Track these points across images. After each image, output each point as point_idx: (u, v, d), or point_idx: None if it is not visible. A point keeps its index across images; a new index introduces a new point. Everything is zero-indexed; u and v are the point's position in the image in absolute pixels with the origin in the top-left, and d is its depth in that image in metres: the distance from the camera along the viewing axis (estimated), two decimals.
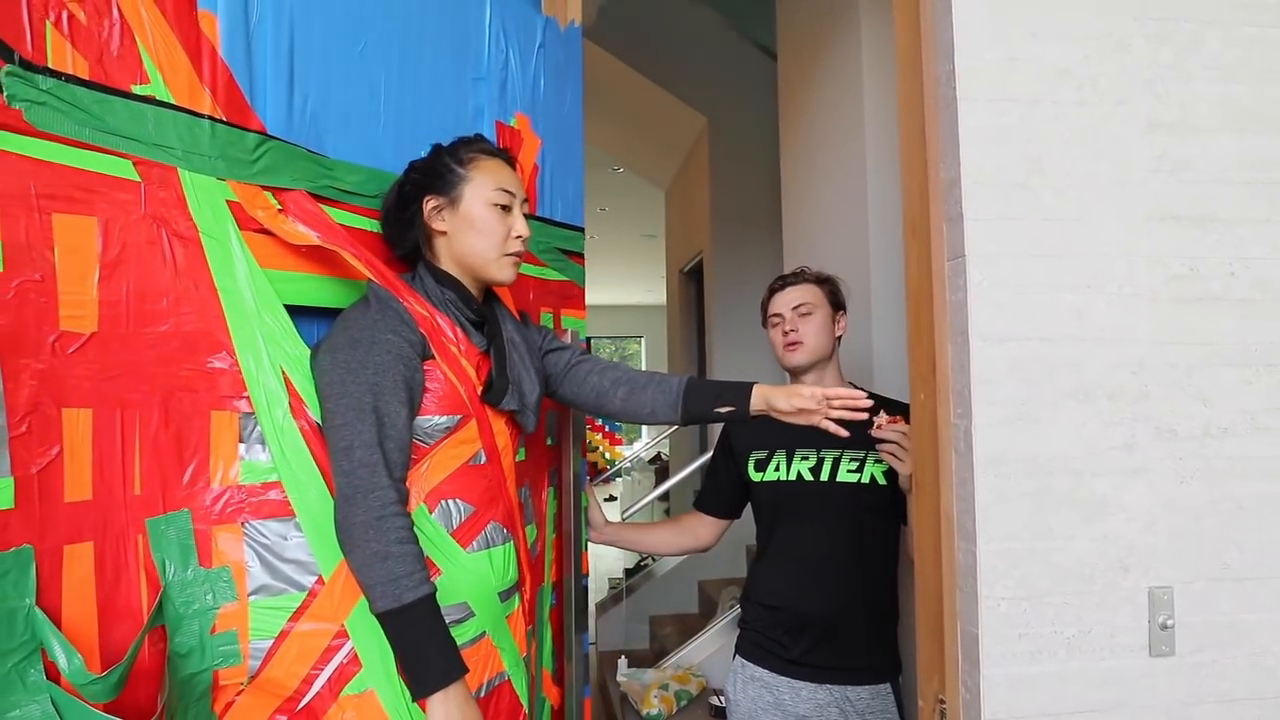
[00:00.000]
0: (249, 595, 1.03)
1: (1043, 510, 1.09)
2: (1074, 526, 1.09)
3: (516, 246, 1.22)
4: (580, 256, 1.71)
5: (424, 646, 1.05)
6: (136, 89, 0.97)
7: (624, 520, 3.21)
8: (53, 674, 0.83)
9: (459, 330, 1.18)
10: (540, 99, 1.56)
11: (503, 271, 1.22)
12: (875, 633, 1.52)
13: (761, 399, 1.28)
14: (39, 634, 0.83)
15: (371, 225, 1.23)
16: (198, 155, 1.03)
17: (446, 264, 1.22)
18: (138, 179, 0.96)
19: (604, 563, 6.41)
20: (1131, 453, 1.11)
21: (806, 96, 2.61)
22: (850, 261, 2.18)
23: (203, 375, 1.03)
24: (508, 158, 1.26)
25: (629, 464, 7.15)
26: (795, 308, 1.57)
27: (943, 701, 1.14)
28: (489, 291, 1.29)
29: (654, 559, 5.33)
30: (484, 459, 1.19)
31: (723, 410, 1.30)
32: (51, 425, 0.88)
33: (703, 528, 1.72)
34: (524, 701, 1.24)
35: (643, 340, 14.33)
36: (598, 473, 10.31)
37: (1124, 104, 1.13)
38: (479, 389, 1.19)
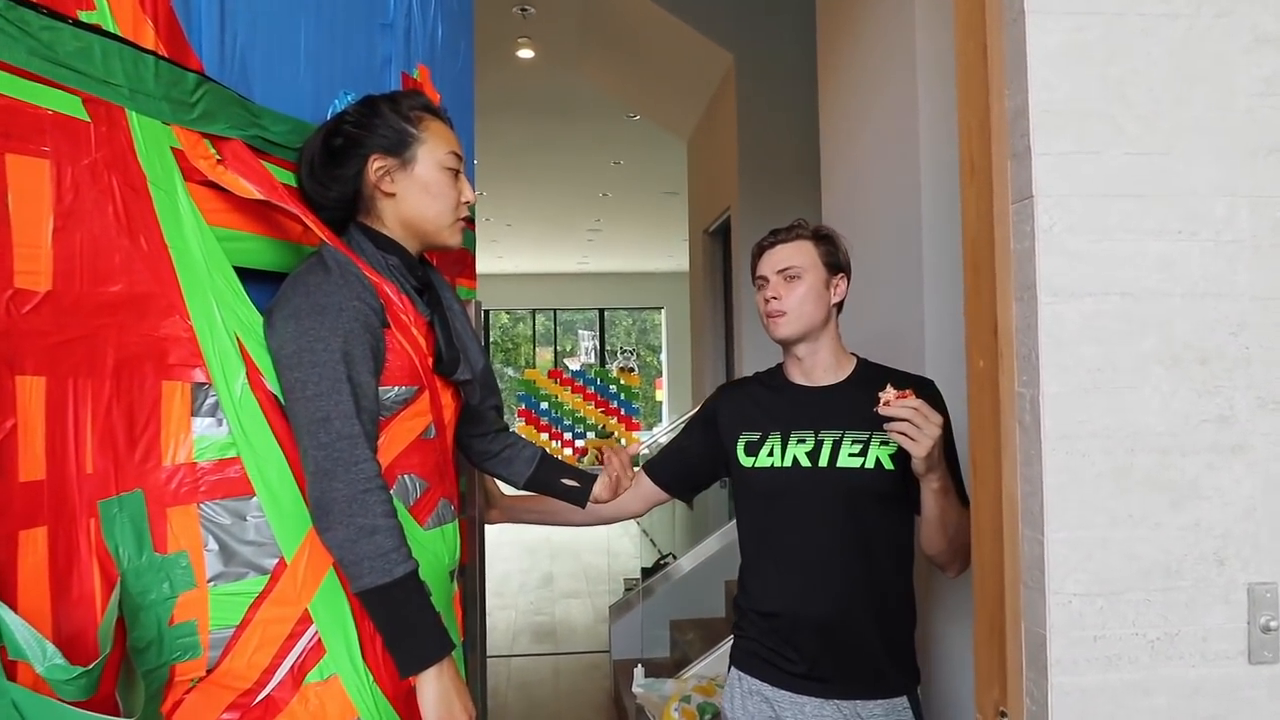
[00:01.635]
0: (208, 581, 1.06)
1: (1122, 493, 1.07)
2: (1159, 512, 1.07)
3: (465, 212, 1.32)
4: (471, 222, 1.76)
5: (415, 621, 1.12)
6: (83, 15, 0.98)
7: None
8: (10, 672, 0.84)
9: (405, 298, 1.24)
10: (438, 50, 1.63)
11: (453, 236, 1.32)
12: (887, 639, 1.49)
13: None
14: (1, 630, 0.85)
15: (295, 180, 1.27)
16: (144, 95, 1.05)
17: (390, 228, 1.28)
18: (87, 119, 0.98)
19: (619, 562, 6.47)
20: (1228, 427, 1.08)
21: (848, 25, 2.55)
22: (900, 215, 2.14)
23: (154, 342, 1.05)
24: (448, 118, 1.33)
25: (646, 450, 7.18)
26: (781, 270, 1.53)
27: (1004, 713, 1.12)
28: (424, 259, 1.37)
29: (674, 556, 5.34)
30: (434, 433, 1.28)
31: (568, 484, 1.59)
32: (5, 395, 0.88)
33: (635, 497, 1.70)
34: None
35: (663, 312, 14.33)
36: None
37: (1225, 16, 1.09)
38: (429, 359, 1.26)
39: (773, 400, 1.59)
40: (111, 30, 1.01)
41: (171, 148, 1.08)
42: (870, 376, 1.53)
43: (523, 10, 4.59)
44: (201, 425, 1.07)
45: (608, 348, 14.59)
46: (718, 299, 5.51)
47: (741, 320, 4.40)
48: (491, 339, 14.95)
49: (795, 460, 1.52)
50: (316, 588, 1.11)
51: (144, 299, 1.03)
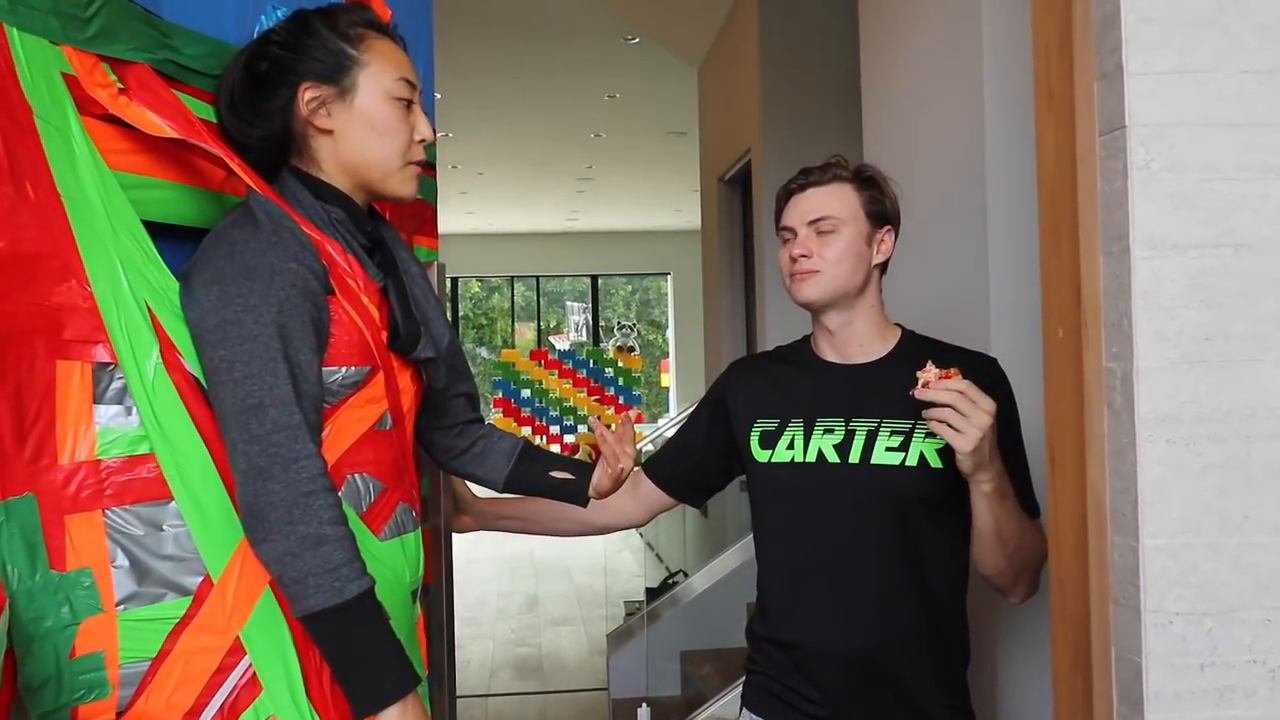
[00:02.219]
0: (117, 605, 1.06)
1: (1236, 490, 1.07)
2: None
3: (420, 154, 1.31)
4: (432, 168, 1.74)
5: (372, 651, 1.13)
6: None
7: None
8: None
9: (352, 259, 1.24)
10: None
11: (405, 184, 1.31)
12: (934, 677, 1.46)
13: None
14: None
15: (213, 115, 1.26)
16: (26, 8, 1.04)
17: (330, 173, 1.27)
18: None
19: (618, 582, 6.51)
20: None
21: None
22: (960, 155, 2.13)
23: (45, 312, 1.04)
24: (399, 37, 1.33)
25: (650, 445, 7.21)
26: (813, 221, 1.49)
27: None
28: (373, 210, 1.36)
29: (684, 574, 5.36)
30: (389, 423, 1.29)
31: (558, 476, 1.57)
32: None
33: (633, 500, 1.69)
34: None
35: (669, 279, 14.33)
36: None
37: None
38: (384, 334, 1.26)
39: (795, 380, 1.57)
40: None
41: (62, 73, 1.07)
42: (917, 352, 1.47)
43: None
44: (106, 414, 1.07)
45: (602, 323, 14.60)
46: (736, 262, 5.50)
47: (765, 288, 4.39)
48: (460, 313, 14.96)
49: (821, 454, 1.49)
50: (250, 611, 1.11)
51: (31, 260, 1.02)
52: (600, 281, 14.77)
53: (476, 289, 15.60)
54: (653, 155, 9.22)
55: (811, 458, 1.49)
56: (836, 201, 1.49)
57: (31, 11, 1.03)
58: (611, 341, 12.13)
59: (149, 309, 1.10)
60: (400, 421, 1.32)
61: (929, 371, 1.31)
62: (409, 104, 1.29)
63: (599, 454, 1.58)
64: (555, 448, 10.55)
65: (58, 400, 1.04)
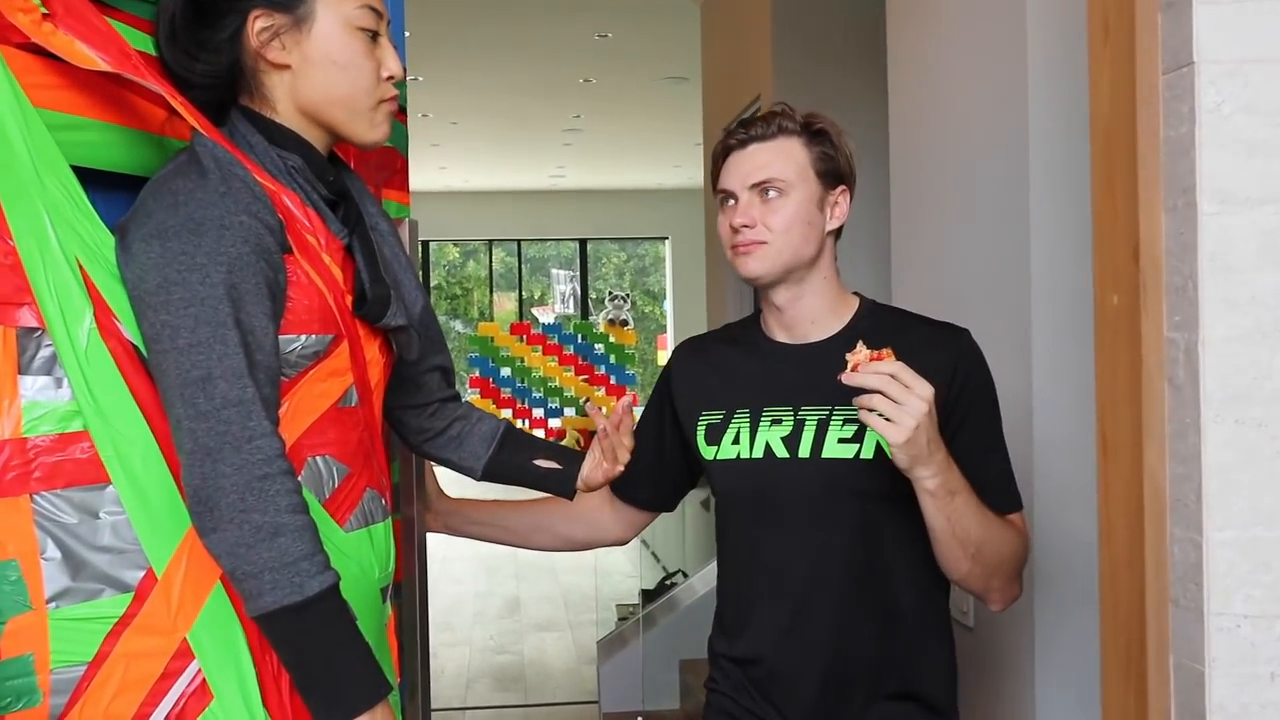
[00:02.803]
0: (47, 602, 1.06)
1: None
2: None
3: (389, 91, 1.31)
4: (403, 112, 1.74)
5: (337, 654, 1.13)
6: None
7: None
8: None
9: (311, 212, 1.24)
10: None
11: (375, 128, 1.31)
12: (909, 696, 1.47)
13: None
14: None
15: (152, 47, 1.25)
16: None
17: (285, 114, 1.27)
18: None
19: (610, 583, 6.53)
20: None
21: None
22: (998, 95, 2.12)
23: None
24: None
25: None
26: (756, 185, 1.45)
27: None
28: (335, 157, 1.36)
29: (683, 574, 5.38)
30: (355, 399, 1.29)
31: (543, 465, 1.57)
32: None
33: (607, 514, 1.70)
34: None
35: (667, 243, 14.33)
36: None
37: None
38: (348, 298, 1.26)
39: (741, 365, 1.57)
40: None
41: None
42: (875, 326, 1.48)
43: None
44: (33, 386, 1.06)
45: (592, 294, 14.60)
46: None
47: None
48: (433, 281, 14.94)
49: (769, 449, 1.47)
50: (199, 610, 1.11)
51: None
52: (589, 246, 14.75)
53: (452, 254, 15.57)
54: (649, 104, 9.19)
55: (758, 453, 1.48)
56: (782, 160, 1.45)
57: None
58: (602, 314, 12.11)
59: (80, 267, 1.10)
60: (367, 398, 1.31)
61: (858, 353, 1.28)
62: (374, 35, 1.27)
63: (588, 440, 1.59)
64: (539, 433, 10.59)
65: None
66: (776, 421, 1.47)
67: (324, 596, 1.11)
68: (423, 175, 11.99)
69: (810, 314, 1.50)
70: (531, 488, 1.60)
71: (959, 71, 2.35)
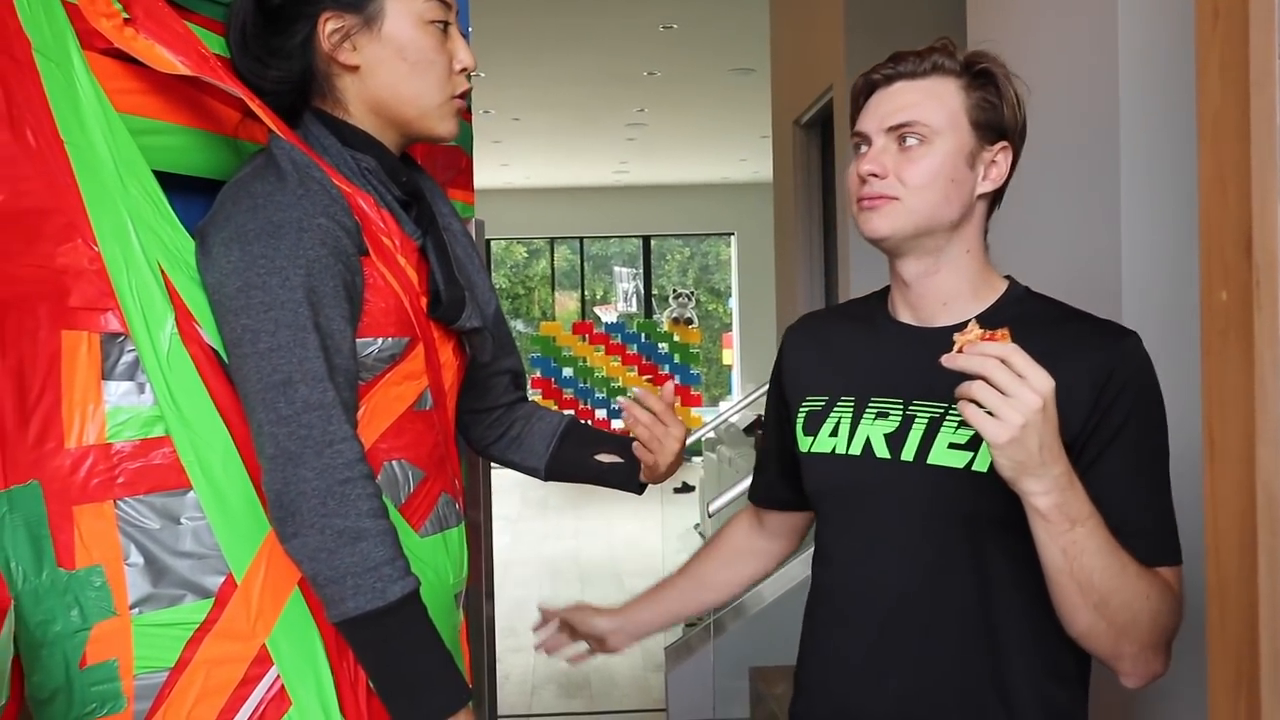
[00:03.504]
0: (131, 608, 1.08)
1: None
2: None
3: (462, 85, 1.31)
4: (467, 111, 1.73)
5: (419, 659, 1.14)
6: None
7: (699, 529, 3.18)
8: None
9: (386, 214, 1.24)
10: None
11: (445, 122, 1.30)
12: None
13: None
14: None
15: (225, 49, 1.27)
16: None
17: (358, 115, 1.27)
18: None
19: None
20: None
21: None
22: (1086, 85, 2.08)
23: (50, 276, 1.06)
24: None
25: (712, 433, 7.20)
26: (894, 128, 1.25)
27: None
28: (408, 158, 1.37)
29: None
30: (430, 403, 1.29)
31: (604, 460, 1.51)
32: None
33: (761, 535, 1.56)
34: None
35: (733, 239, 14.28)
36: None
37: None
38: (423, 300, 1.27)
39: (855, 344, 1.40)
40: None
41: (64, 1, 1.08)
42: (1024, 315, 1.27)
43: None
44: (117, 392, 1.09)
45: (655, 291, 14.60)
46: (814, 219, 5.46)
47: (849, 250, 4.34)
48: (495, 282, 15.05)
49: (868, 445, 1.30)
50: (278, 615, 1.13)
51: (34, 216, 1.04)
52: (653, 243, 14.74)
53: (515, 252, 15.67)
54: (715, 96, 9.16)
55: (856, 449, 1.30)
56: (932, 102, 1.25)
57: None
58: (666, 312, 12.15)
59: (162, 272, 1.12)
60: (441, 401, 1.32)
61: (967, 332, 1.10)
62: (445, 26, 1.28)
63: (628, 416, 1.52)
64: None
65: (63, 375, 1.06)
66: (883, 415, 1.30)
67: (406, 602, 1.12)
68: (485, 172, 12.09)
69: (943, 293, 1.30)
70: (596, 484, 1.56)
71: (1044, 57, 2.31)
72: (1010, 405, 1.03)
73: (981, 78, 1.28)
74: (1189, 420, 1.34)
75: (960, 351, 1.08)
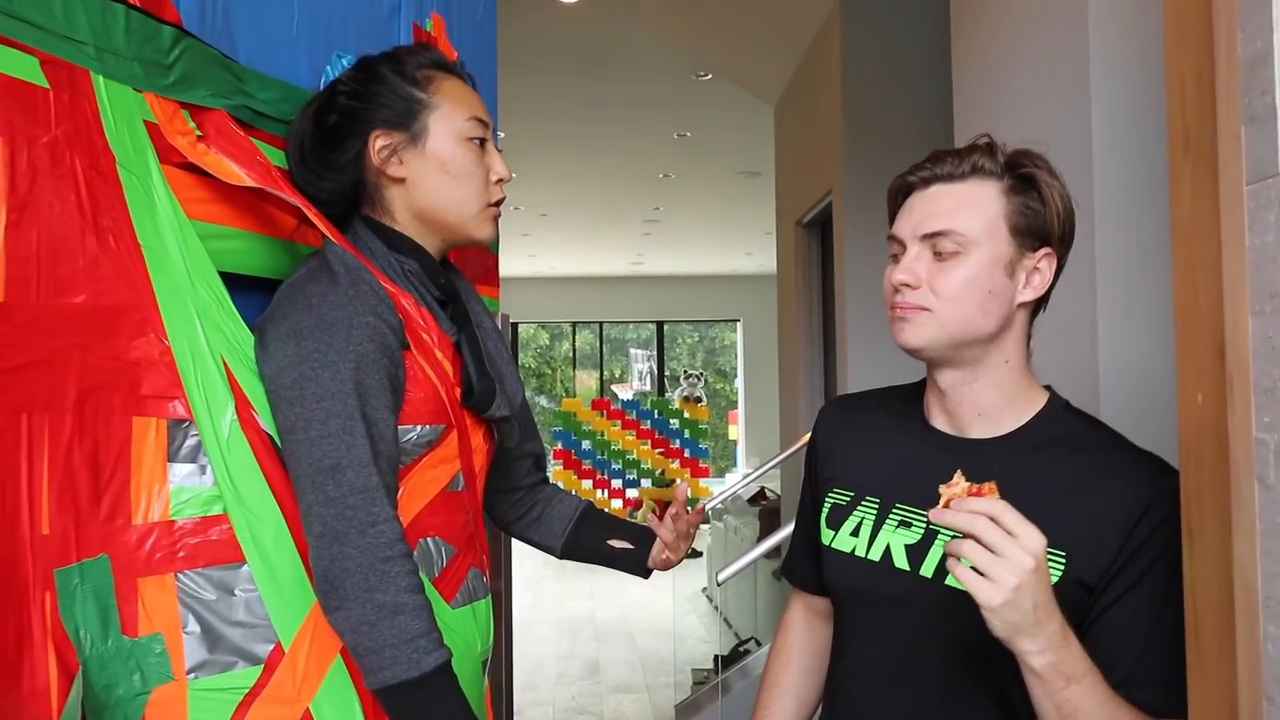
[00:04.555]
0: (187, 673, 1.07)
1: None
2: None
3: (498, 194, 1.32)
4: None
5: None
6: None
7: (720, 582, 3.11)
8: None
9: (426, 312, 1.25)
10: None
11: (483, 227, 1.32)
12: None
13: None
14: None
15: (284, 161, 1.29)
16: (113, 55, 1.07)
17: (402, 222, 1.29)
18: (46, 85, 1.00)
19: (686, 648, 6.42)
20: None
21: None
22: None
23: (124, 367, 1.07)
24: (467, 74, 1.34)
25: (720, 504, 7.16)
26: (928, 235, 1.12)
27: None
28: (446, 261, 1.38)
29: (756, 641, 5.27)
30: (462, 484, 1.29)
31: (616, 545, 1.52)
32: None
33: (817, 626, 1.37)
34: None
35: (739, 326, 14.31)
36: None
37: None
38: (457, 391, 1.27)
39: (888, 442, 1.25)
40: None
41: (144, 121, 1.10)
42: (1058, 433, 1.15)
43: None
44: (180, 473, 1.09)
45: (667, 372, 14.60)
46: (814, 309, 5.46)
47: (846, 340, 4.34)
48: (521, 361, 15.08)
49: (888, 553, 1.17)
50: (321, 681, 1.12)
51: (113, 313, 1.05)
52: (666, 328, 14.79)
53: (540, 335, 15.72)
54: (724, 196, 9.25)
55: (876, 555, 1.18)
56: (969, 209, 1.11)
57: (117, 58, 1.07)
58: (677, 391, 12.14)
59: (225, 364, 1.13)
60: (472, 483, 1.32)
61: (954, 485, 0.98)
62: (482, 142, 1.30)
63: (664, 510, 1.56)
64: (617, 503, 10.56)
65: (133, 458, 1.07)
66: (905, 524, 1.16)
67: (439, 671, 1.11)
68: (513, 262, 12.22)
69: (979, 404, 1.16)
70: (606, 565, 1.56)
71: None
72: (1002, 566, 0.92)
73: (1025, 182, 1.14)
74: None
75: (947, 506, 0.97)
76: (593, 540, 1.54)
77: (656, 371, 14.37)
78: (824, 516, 1.26)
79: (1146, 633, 1.08)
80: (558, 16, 5.37)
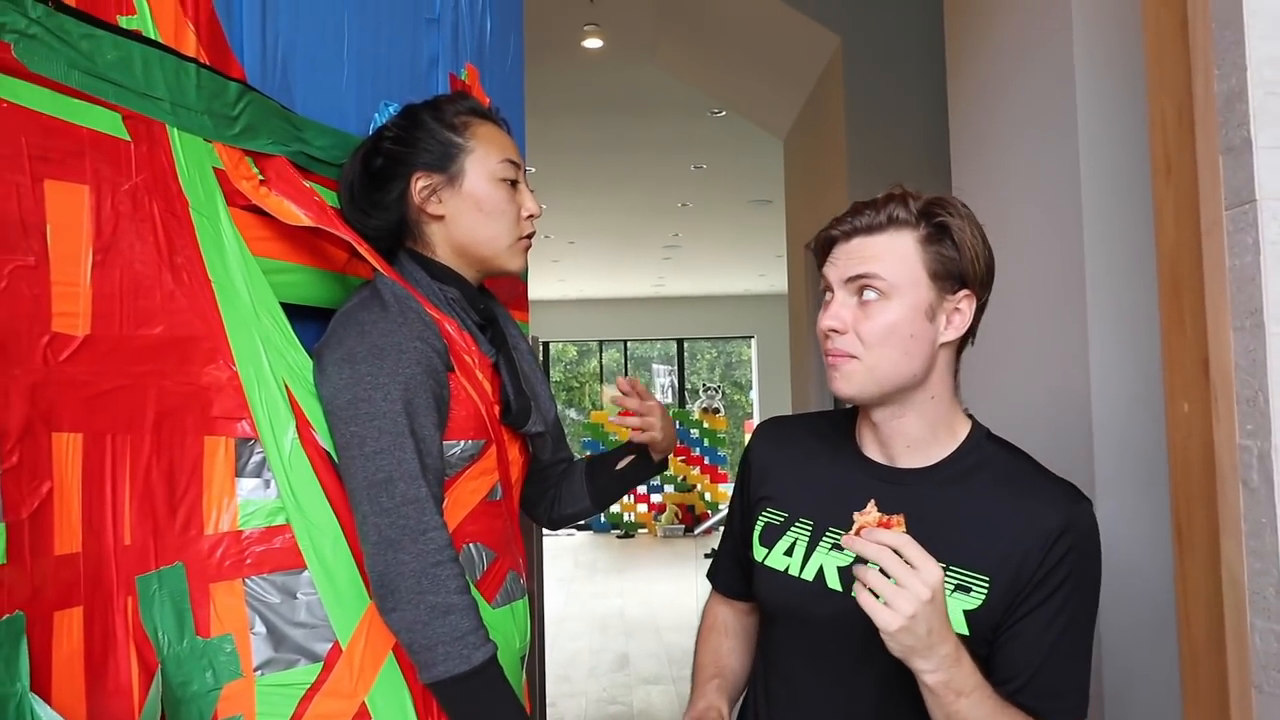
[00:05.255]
0: (255, 670, 1.08)
1: None
2: None
3: (529, 228, 1.33)
4: None
5: (499, 713, 1.13)
6: (123, 21, 1.03)
7: None
8: None
9: (468, 336, 1.26)
10: (487, 48, 1.68)
11: (514, 260, 1.32)
12: None
13: None
14: None
15: (336, 201, 1.31)
16: (185, 109, 1.10)
17: (443, 254, 1.30)
18: (127, 137, 1.03)
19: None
20: None
21: None
22: (1053, 223, 2.08)
23: (197, 391, 1.09)
24: (501, 119, 1.35)
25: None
26: (853, 279, 1.09)
27: None
28: (483, 288, 1.38)
29: None
30: (500, 494, 1.29)
31: (623, 465, 1.48)
32: (42, 455, 0.92)
33: (746, 622, 1.33)
34: None
35: (753, 342, 14.28)
36: (695, 521, 10.36)
37: None
38: (496, 408, 1.27)
39: (821, 468, 1.20)
40: (152, 36, 1.06)
41: (213, 168, 1.12)
42: (982, 464, 1.13)
43: None
44: (247, 487, 1.10)
45: (688, 385, 14.58)
46: None
47: None
48: (553, 377, 15.11)
49: (821, 574, 1.13)
50: (375, 677, 1.13)
51: (186, 342, 1.07)
52: (686, 345, 14.77)
53: (568, 352, 15.76)
54: (738, 223, 9.24)
55: (809, 575, 1.14)
56: (889, 258, 1.08)
57: (189, 112, 1.09)
58: (697, 403, 12.11)
59: (286, 387, 1.14)
60: (509, 492, 1.33)
61: (866, 514, 0.98)
62: (514, 182, 1.31)
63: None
64: (643, 507, 10.53)
65: (204, 474, 1.08)
66: (839, 548, 1.12)
67: (487, 665, 1.11)
68: (544, 286, 12.25)
69: (907, 436, 1.14)
70: (633, 486, 1.54)
71: (1016, 203, 2.32)
72: (901, 596, 0.92)
73: (939, 230, 1.10)
74: (1160, 515, 1.32)
75: (859, 533, 0.97)
76: (608, 478, 1.52)
77: (678, 385, 14.34)
78: (757, 534, 1.22)
79: (1050, 646, 1.06)
80: (583, 62, 5.41)
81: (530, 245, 1.35)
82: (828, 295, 1.13)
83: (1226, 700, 1.08)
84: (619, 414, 1.46)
